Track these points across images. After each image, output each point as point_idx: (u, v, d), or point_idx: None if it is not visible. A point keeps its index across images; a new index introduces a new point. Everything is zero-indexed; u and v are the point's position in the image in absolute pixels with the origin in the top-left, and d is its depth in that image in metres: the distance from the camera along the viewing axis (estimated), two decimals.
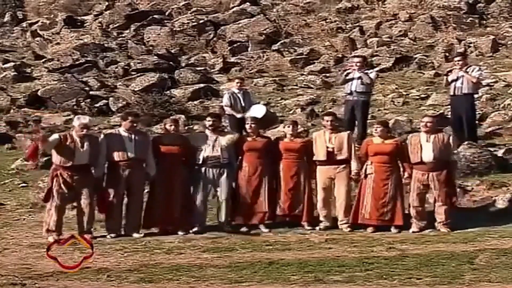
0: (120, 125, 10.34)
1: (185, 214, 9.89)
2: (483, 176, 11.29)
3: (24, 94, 17.65)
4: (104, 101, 17.19)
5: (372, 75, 12.92)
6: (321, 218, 10.03)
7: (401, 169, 9.94)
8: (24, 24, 24.39)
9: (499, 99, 15.61)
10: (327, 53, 19.52)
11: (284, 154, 10.10)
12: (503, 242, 9.07)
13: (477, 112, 13.37)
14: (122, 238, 9.57)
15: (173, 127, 10.13)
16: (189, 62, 19.83)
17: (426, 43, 19.66)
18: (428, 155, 9.73)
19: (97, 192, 9.62)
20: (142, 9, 23.18)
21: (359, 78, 12.55)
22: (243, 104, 13.06)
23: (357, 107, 12.61)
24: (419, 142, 9.80)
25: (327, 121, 10.18)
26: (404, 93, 16.77)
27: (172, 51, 20.49)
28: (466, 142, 11.75)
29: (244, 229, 9.94)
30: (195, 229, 9.81)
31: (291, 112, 16.17)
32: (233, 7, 22.36)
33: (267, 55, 19.77)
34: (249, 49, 20.26)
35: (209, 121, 10.22)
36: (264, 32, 20.71)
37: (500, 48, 19.02)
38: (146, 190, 10.04)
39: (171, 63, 19.46)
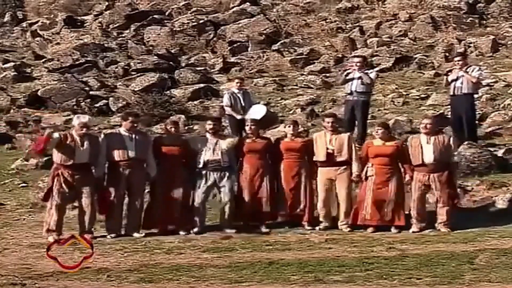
0: (120, 125, 10.35)
1: (185, 215, 9.89)
2: (483, 176, 11.29)
3: (24, 94, 17.65)
4: (104, 101, 17.19)
5: (372, 75, 12.92)
6: (321, 219, 10.03)
7: (402, 171, 9.92)
8: (24, 24, 24.40)
9: (499, 99, 15.61)
10: (327, 53, 19.52)
11: (285, 154, 10.11)
12: (503, 242, 9.07)
13: (477, 112, 13.38)
14: (122, 238, 9.57)
15: (173, 129, 10.16)
16: (189, 62, 19.83)
17: (426, 43, 19.67)
18: (428, 157, 9.71)
19: (98, 191, 9.62)
20: (142, 9, 23.19)
21: (359, 78, 12.55)
22: (243, 104, 13.06)
23: (357, 107, 12.61)
24: (420, 144, 9.78)
25: (328, 122, 10.17)
26: (404, 93, 16.77)
27: (172, 51, 20.49)
28: (466, 142, 11.75)
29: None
30: (196, 229, 9.81)
31: (291, 112, 16.17)
32: (233, 7, 22.36)
33: (267, 55, 19.78)
34: (249, 49, 20.26)
35: (209, 124, 10.21)
36: (264, 32, 20.71)
37: (500, 48, 19.03)
38: (146, 191, 10.05)
39: (171, 63, 19.46)
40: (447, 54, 18.40)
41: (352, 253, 8.74)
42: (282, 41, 20.37)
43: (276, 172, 10.11)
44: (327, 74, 18.37)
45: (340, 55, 19.25)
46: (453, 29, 19.81)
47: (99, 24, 22.68)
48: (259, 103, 14.25)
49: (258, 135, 10.37)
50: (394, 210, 9.75)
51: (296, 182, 10.03)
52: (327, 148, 9.98)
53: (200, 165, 9.94)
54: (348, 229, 9.86)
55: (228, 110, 13.22)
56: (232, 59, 19.87)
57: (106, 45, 21.03)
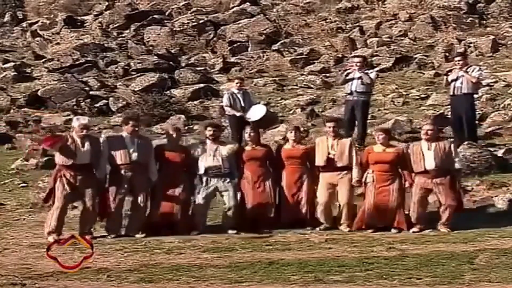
0: (120, 125, 10.33)
1: (185, 218, 9.86)
2: (483, 176, 11.29)
3: (24, 94, 17.65)
4: (104, 101, 17.19)
5: (372, 75, 12.93)
6: (322, 221, 10.01)
7: (403, 178, 9.87)
8: (24, 24, 24.42)
9: (499, 99, 15.61)
10: (327, 53, 19.53)
11: (286, 162, 10.11)
12: (503, 242, 9.06)
13: (477, 112, 13.38)
14: (122, 238, 9.56)
15: (175, 135, 10.15)
16: (189, 62, 19.84)
17: (426, 43, 19.68)
18: (430, 163, 9.63)
19: (99, 193, 9.61)
20: (142, 9, 23.20)
21: (359, 78, 12.56)
22: (243, 104, 13.04)
23: (357, 107, 12.62)
24: (421, 151, 9.72)
25: (330, 127, 10.16)
26: (404, 93, 16.77)
27: (172, 51, 20.50)
28: (466, 142, 11.75)
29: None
30: (196, 232, 9.79)
31: (291, 112, 16.17)
32: (233, 7, 22.37)
33: (267, 55, 19.78)
34: (249, 49, 20.27)
35: (209, 131, 10.16)
36: (264, 32, 20.72)
37: (500, 48, 19.04)
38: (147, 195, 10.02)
39: (171, 63, 19.47)
40: (447, 54, 18.41)
41: (352, 253, 8.74)
42: (282, 41, 20.38)
43: (278, 177, 10.10)
44: (327, 74, 18.37)
45: (340, 55, 19.25)
46: (453, 29, 19.82)
47: (99, 24, 22.69)
48: (259, 103, 14.24)
49: (258, 143, 10.37)
50: (395, 216, 9.72)
51: (298, 187, 10.03)
52: (328, 153, 9.97)
53: (201, 171, 9.93)
54: (348, 229, 9.86)
55: (228, 110, 13.22)
56: (232, 59, 19.88)
57: (106, 45, 21.03)
